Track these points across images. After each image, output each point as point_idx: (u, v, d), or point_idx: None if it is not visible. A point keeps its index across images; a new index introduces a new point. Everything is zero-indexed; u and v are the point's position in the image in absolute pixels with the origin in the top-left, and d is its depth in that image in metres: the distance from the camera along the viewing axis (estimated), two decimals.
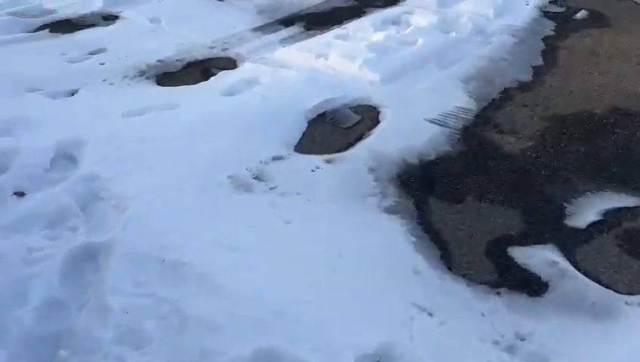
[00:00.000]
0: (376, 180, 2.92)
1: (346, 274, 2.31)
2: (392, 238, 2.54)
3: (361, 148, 3.20)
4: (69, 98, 3.66)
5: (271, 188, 2.80)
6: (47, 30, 4.89)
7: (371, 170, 3.00)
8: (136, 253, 2.27)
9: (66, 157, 2.95)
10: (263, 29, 4.89)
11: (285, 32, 4.80)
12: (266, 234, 2.46)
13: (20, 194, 2.71)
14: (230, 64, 4.22)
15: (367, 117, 3.56)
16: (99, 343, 1.88)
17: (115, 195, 2.62)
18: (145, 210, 2.51)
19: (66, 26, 4.99)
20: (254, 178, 2.86)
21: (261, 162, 2.99)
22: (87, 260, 2.33)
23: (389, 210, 2.71)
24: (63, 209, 2.58)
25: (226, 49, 4.48)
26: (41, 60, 4.22)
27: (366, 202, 2.76)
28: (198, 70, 4.15)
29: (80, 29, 4.90)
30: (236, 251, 2.32)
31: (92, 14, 5.24)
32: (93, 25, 5.01)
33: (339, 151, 3.19)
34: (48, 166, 2.88)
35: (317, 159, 3.09)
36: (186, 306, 2.03)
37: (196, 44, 4.56)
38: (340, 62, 4.01)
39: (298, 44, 4.38)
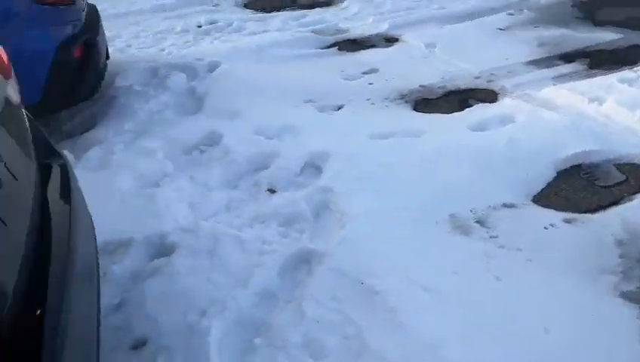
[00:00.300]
0: (621, 256, 2.50)
1: (547, 354, 2.06)
2: (618, 329, 2.15)
3: (613, 214, 2.77)
4: (333, 112, 4.07)
5: (491, 237, 2.64)
6: (336, 48, 5.50)
7: (619, 242, 2.58)
8: (341, 268, 2.43)
9: (314, 167, 3.30)
10: (537, 63, 4.58)
11: (562, 69, 4.41)
12: (469, 285, 2.35)
13: (272, 191, 3.15)
14: (490, 97, 4.10)
15: (633, 178, 3.05)
16: (286, 343, 2.09)
17: (340, 210, 2.83)
18: (360, 230, 2.66)
19: (351, 45, 5.52)
20: (476, 222, 2.74)
21: (489, 206, 2.84)
22: (304, 263, 2.59)
23: (628, 296, 2.30)
24: (299, 212, 2.90)
25: (491, 80, 4.36)
26: (323, 75, 4.78)
27: (600, 279, 2.39)
28: (456, 99, 4.14)
29: (362, 49, 5.37)
30: (432, 293, 2.28)
31: (376, 36, 5.68)
32: (374, 46, 5.44)
33: (585, 212, 2.83)
34: (298, 171, 3.27)
35: (555, 216, 2.79)
36: (368, 335, 2.09)
37: (462, 72, 4.55)
38: (615, 109, 3.51)
39: (571, 84, 3.99)
